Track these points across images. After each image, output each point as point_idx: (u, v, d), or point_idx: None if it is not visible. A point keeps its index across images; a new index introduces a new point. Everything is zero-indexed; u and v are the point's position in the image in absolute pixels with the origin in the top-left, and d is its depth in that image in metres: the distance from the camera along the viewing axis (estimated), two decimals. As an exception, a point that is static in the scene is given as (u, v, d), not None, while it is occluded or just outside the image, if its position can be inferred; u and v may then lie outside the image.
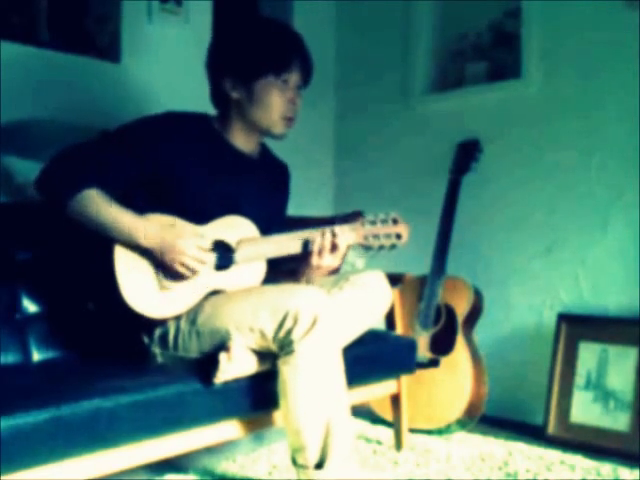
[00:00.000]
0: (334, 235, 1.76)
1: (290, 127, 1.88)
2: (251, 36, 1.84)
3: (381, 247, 1.81)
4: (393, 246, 1.81)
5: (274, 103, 1.82)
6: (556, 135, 2.51)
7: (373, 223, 1.81)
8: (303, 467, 1.60)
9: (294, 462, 1.63)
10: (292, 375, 1.57)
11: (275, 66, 1.81)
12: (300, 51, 1.87)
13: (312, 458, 1.58)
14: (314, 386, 1.57)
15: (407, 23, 2.93)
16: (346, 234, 1.78)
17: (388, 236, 1.80)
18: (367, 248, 1.82)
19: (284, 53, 1.83)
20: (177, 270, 1.66)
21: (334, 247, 1.77)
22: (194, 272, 1.67)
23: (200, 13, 2.60)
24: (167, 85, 2.47)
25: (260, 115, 1.83)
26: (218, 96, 1.89)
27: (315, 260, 1.77)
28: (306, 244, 1.79)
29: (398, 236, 1.80)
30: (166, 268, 1.67)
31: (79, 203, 1.65)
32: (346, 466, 1.60)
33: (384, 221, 1.81)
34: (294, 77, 1.84)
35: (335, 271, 1.89)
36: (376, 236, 1.80)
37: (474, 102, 2.73)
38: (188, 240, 1.65)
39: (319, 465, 1.58)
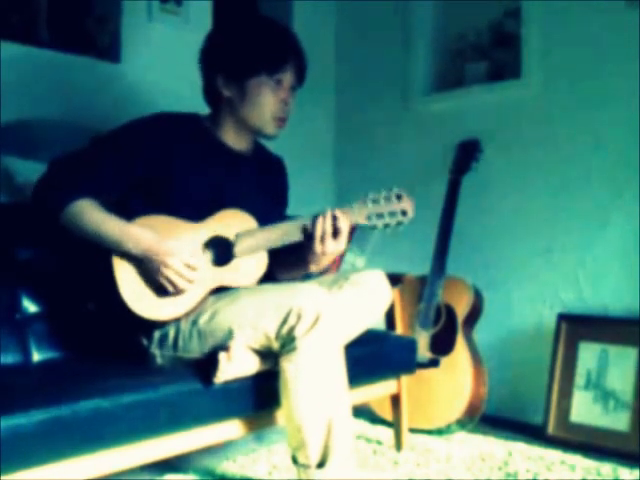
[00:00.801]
0: (335, 218, 1.70)
1: (281, 127, 1.87)
2: (245, 34, 1.83)
3: (386, 226, 1.72)
4: (399, 224, 1.71)
5: (266, 103, 1.81)
6: (556, 135, 2.51)
7: (376, 202, 1.71)
8: (304, 466, 1.59)
9: (295, 461, 1.62)
10: (294, 372, 1.57)
11: (269, 65, 1.80)
12: (295, 51, 1.85)
13: (313, 457, 1.58)
14: (316, 383, 1.57)
15: (407, 23, 2.93)
16: (348, 216, 1.71)
17: (393, 214, 1.71)
18: (371, 228, 1.73)
19: (278, 53, 1.82)
20: (160, 282, 1.64)
21: (336, 231, 1.70)
22: (177, 290, 1.65)
23: (200, 13, 2.60)
24: (167, 85, 2.47)
25: (251, 114, 1.83)
26: (210, 93, 1.88)
27: (318, 247, 1.70)
28: (304, 229, 1.72)
29: (404, 213, 1.70)
30: (153, 278, 1.65)
31: (69, 215, 1.66)
32: (347, 466, 1.60)
33: (387, 199, 1.71)
34: (288, 77, 1.83)
35: (341, 257, 1.86)
36: (380, 215, 1.71)
37: (474, 102, 2.74)
38: (177, 254, 1.63)
39: (320, 464, 1.58)
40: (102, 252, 1.67)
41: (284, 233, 1.75)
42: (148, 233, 1.65)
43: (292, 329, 1.57)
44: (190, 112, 1.88)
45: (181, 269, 1.63)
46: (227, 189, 1.83)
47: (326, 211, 1.70)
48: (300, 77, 1.88)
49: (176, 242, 1.66)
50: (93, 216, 1.66)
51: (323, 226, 1.69)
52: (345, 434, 1.60)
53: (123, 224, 1.66)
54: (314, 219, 1.71)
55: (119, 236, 1.64)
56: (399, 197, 1.71)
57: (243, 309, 1.65)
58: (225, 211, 1.78)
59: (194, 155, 1.80)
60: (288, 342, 1.58)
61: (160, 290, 1.66)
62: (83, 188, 1.68)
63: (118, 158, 1.72)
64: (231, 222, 1.77)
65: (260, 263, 1.79)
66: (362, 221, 1.72)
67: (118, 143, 1.74)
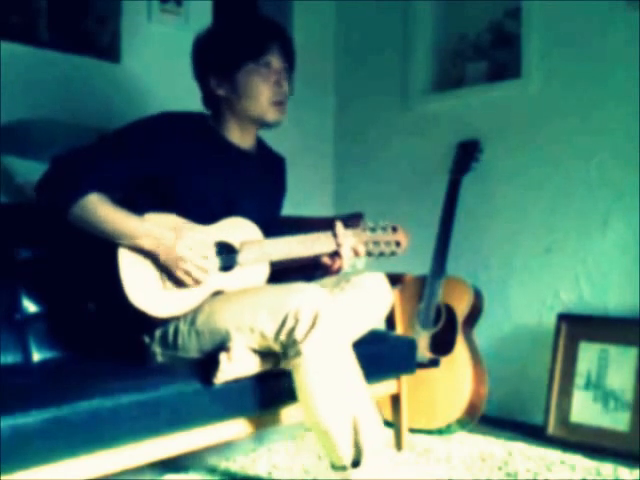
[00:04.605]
0: (337, 238, 1.80)
1: (282, 112, 1.87)
2: (224, 31, 1.85)
3: (381, 254, 1.86)
4: (392, 254, 1.87)
5: (259, 89, 1.82)
6: (556, 135, 2.51)
7: (373, 230, 1.85)
8: (342, 469, 1.57)
9: (333, 466, 1.60)
10: (305, 378, 1.56)
11: (251, 51, 1.81)
12: (275, 33, 1.86)
13: (347, 457, 1.56)
14: (330, 383, 1.56)
15: (407, 23, 2.93)
16: (349, 239, 1.81)
17: (388, 244, 1.85)
18: (367, 254, 1.85)
19: (257, 37, 1.83)
20: (178, 276, 1.65)
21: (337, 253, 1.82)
22: (196, 281, 1.66)
23: (200, 13, 2.60)
24: (167, 85, 2.47)
25: (249, 105, 1.83)
26: (208, 98, 1.89)
27: (335, 265, 1.83)
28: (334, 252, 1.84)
29: (397, 244, 1.86)
30: (169, 273, 1.66)
31: (80, 210, 1.65)
32: (381, 461, 1.58)
33: (384, 229, 1.86)
34: (275, 60, 1.83)
35: (335, 271, 1.89)
36: (376, 243, 1.85)
37: (474, 102, 2.73)
38: (191, 247, 1.65)
39: (355, 463, 1.56)
40: (106, 248, 1.66)
41: (289, 249, 1.79)
42: (161, 229, 1.66)
43: (291, 332, 1.56)
44: (195, 111, 1.88)
45: (198, 261, 1.64)
46: (232, 188, 1.84)
47: (346, 235, 1.81)
48: (288, 57, 1.88)
49: (189, 237, 1.67)
50: (105, 210, 1.65)
51: (349, 253, 1.82)
52: (373, 428, 1.58)
53: (137, 219, 1.66)
54: (338, 246, 1.80)
55: (133, 231, 1.64)
56: (395, 229, 1.87)
57: (240, 310, 1.65)
58: (232, 219, 1.79)
59: (202, 155, 1.81)
60: (290, 346, 1.57)
61: (176, 283, 1.67)
62: (93, 183, 1.67)
63: (124, 157, 1.72)
64: (237, 230, 1.79)
65: (261, 274, 1.82)
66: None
67: (127, 141, 1.74)
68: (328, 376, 1.56)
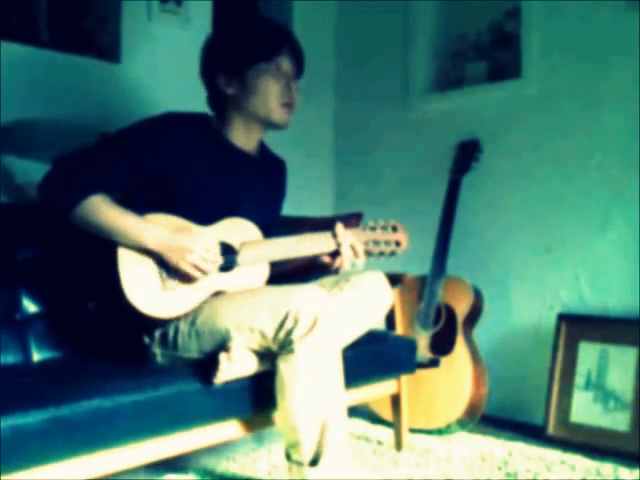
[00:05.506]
0: (337, 237, 1.78)
1: (289, 114, 1.87)
2: (238, 31, 1.86)
3: (381, 253, 1.84)
4: (392, 253, 1.85)
5: (269, 89, 1.82)
6: (556, 135, 2.51)
7: (373, 229, 1.84)
8: (297, 463, 1.60)
9: (288, 458, 1.63)
10: (291, 374, 1.58)
11: (264, 51, 1.82)
12: (287, 38, 1.88)
13: (307, 455, 1.58)
14: (312, 385, 1.58)
15: (407, 23, 2.93)
16: (349, 238, 1.80)
17: (387, 243, 1.84)
18: (367, 253, 1.83)
19: (271, 39, 1.84)
20: (185, 270, 1.66)
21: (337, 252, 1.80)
22: (204, 273, 1.67)
23: (200, 13, 2.60)
24: (167, 85, 2.47)
25: (257, 104, 1.83)
26: (214, 97, 1.89)
27: (335, 264, 1.82)
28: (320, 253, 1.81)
29: (397, 243, 1.84)
30: (173, 269, 1.67)
31: (83, 210, 1.65)
32: (341, 464, 1.60)
33: (384, 228, 1.84)
34: (285, 63, 1.84)
35: (335, 271, 1.89)
36: (376, 242, 1.83)
37: (474, 102, 2.74)
38: (197, 241, 1.66)
39: (314, 462, 1.58)
40: (106, 248, 1.66)
41: (288, 249, 1.79)
42: (164, 229, 1.67)
43: (289, 332, 1.57)
44: (199, 112, 1.88)
45: (204, 253, 1.66)
46: (232, 190, 1.84)
47: (346, 236, 1.79)
48: (298, 64, 1.89)
49: (194, 232, 1.69)
50: (108, 212, 1.65)
51: (348, 252, 1.79)
52: (339, 434, 1.60)
53: (140, 219, 1.66)
54: (338, 245, 1.79)
55: (136, 231, 1.64)
56: (395, 228, 1.85)
57: (241, 310, 1.65)
58: (231, 219, 1.80)
59: (204, 156, 1.81)
60: (286, 345, 1.59)
61: (181, 278, 1.67)
62: (96, 185, 1.67)
63: (127, 157, 1.72)
64: (236, 230, 1.79)
65: (261, 275, 1.82)
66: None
67: (130, 141, 1.74)
68: (313, 378, 1.58)
